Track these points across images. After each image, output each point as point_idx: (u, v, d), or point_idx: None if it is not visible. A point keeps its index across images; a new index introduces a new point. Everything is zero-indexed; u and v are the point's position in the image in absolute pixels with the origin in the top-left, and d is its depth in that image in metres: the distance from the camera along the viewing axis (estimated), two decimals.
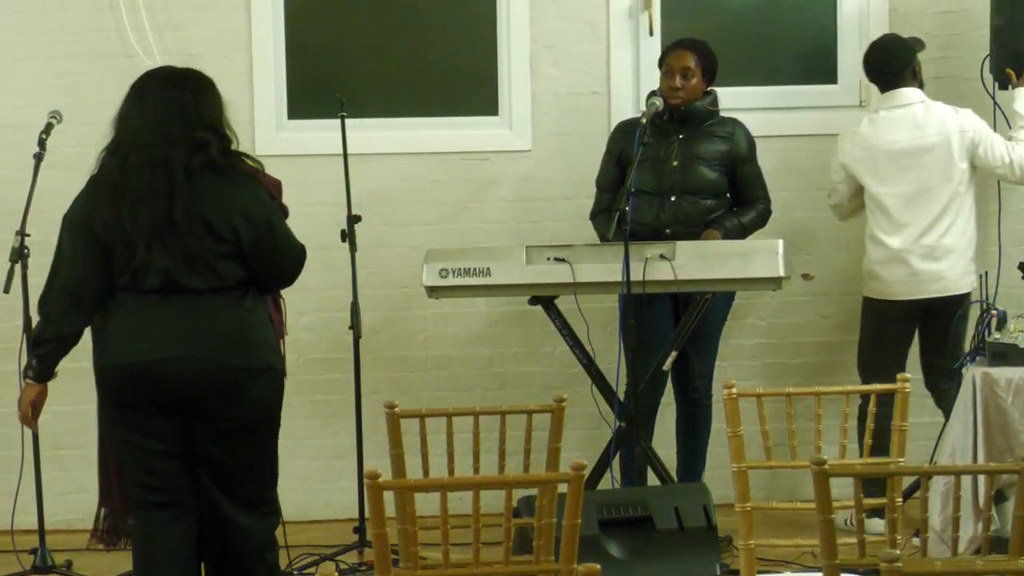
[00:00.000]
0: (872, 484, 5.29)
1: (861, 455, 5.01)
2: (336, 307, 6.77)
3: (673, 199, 6.51)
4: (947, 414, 6.40)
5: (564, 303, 6.40)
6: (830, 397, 5.81)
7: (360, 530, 6.41)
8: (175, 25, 7.03)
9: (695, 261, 6.13)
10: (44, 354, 4.97)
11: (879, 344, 6.73)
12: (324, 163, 6.95)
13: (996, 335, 5.96)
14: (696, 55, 6.53)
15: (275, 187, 5.01)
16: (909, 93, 6.59)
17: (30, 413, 5.05)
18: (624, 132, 6.63)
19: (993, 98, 6.91)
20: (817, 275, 7.23)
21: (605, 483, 6.37)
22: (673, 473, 6.59)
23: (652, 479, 6.51)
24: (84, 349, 7.08)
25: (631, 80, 7.16)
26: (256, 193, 4.83)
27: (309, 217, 7.00)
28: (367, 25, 7.20)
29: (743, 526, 4.73)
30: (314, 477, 7.19)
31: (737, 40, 7.18)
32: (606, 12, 7.16)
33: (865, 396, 5.43)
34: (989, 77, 6.91)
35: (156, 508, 4.90)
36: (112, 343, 4.85)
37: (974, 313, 6.26)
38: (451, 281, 6.24)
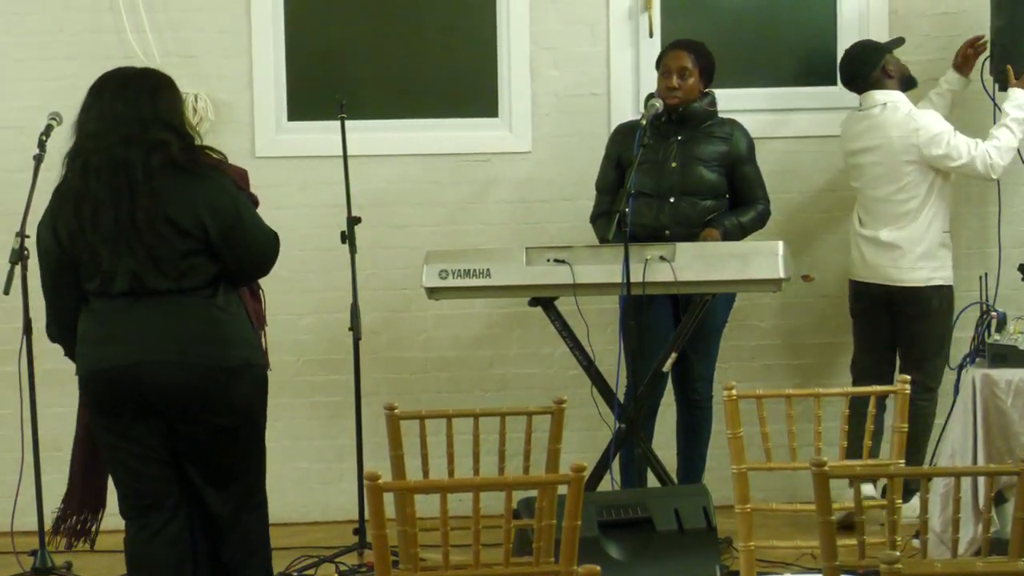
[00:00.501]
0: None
1: (848, 456, 5.00)
2: (336, 308, 6.77)
3: (672, 200, 6.51)
4: (920, 433, 6.43)
5: (564, 304, 6.40)
6: (830, 399, 5.82)
7: (360, 532, 6.41)
8: (175, 27, 7.03)
9: (695, 263, 6.13)
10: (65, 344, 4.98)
11: (854, 326, 6.95)
12: (324, 164, 6.95)
13: (996, 336, 5.96)
14: (693, 55, 6.53)
15: (240, 176, 4.93)
16: (876, 95, 6.73)
17: None
18: (623, 134, 6.63)
19: (993, 99, 6.91)
20: (817, 277, 7.24)
21: (605, 485, 6.37)
22: (673, 474, 6.59)
23: (652, 480, 6.51)
24: None
25: (631, 81, 7.17)
26: (221, 184, 4.77)
27: (309, 218, 7.02)
28: (367, 27, 7.20)
29: (743, 527, 4.73)
30: (314, 479, 7.19)
31: (737, 42, 7.18)
32: (606, 13, 7.16)
33: (856, 396, 5.44)
34: (989, 79, 6.91)
35: (144, 512, 4.88)
36: (87, 349, 4.82)
37: (973, 315, 6.26)
38: (451, 282, 6.24)
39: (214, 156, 4.87)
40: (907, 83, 6.82)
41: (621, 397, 6.41)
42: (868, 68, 6.76)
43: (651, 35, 7.14)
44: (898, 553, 3.11)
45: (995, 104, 6.93)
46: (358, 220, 6.39)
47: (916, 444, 6.50)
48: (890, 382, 6.73)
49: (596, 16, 7.16)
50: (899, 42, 6.89)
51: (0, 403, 6.87)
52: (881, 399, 5.88)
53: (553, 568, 3.96)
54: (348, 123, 6.49)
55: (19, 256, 6.17)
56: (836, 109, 7.04)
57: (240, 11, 7.06)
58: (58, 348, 7.02)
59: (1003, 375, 5.85)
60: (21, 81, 7.01)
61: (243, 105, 7.06)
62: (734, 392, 4.80)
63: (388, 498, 3.82)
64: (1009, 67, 6.68)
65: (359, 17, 7.19)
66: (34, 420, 6.28)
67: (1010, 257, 6.98)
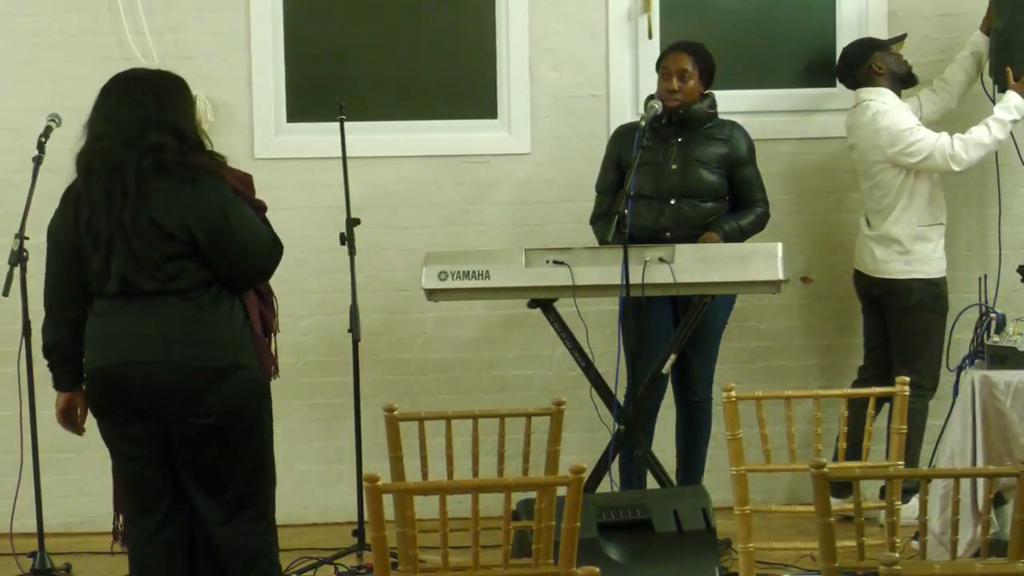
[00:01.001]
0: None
1: (847, 457, 5.01)
2: (335, 310, 6.77)
3: (673, 202, 6.51)
4: (912, 431, 6.44)
5: (563, 306, 6.40)
6: (829, 400, 5.82)
7: (359, 533, 6.41)
8: (174, 28, 7.03)
9: (694, 264, 6.13)
10: (49, 364, 4.96)
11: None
12: (323, 166, 6.95)
13: (995, 338, 5.97)
14: (693, 57, 6.53)
15: (242, 181, 4.87)
16: (860, 93, 6.85)
17: (62, 420, 5.00)
18: (623, 136, 6.63)
19: (992, 100, 6.91)
20: (816, 278, 7.24)
21: (604, 486, 6.37)
22: (672, 476, 6.59)
23: (651, 482, 6.51)
24: None
25: (630, 83, 7.17)
26: (212, 190, 4.74)
27: (308, 220, 7.01)
28: (366, 28, 7.19)
29: (742, 529, 4.73)
30: (313, 480, 7.19)
31: (736, 43, 7.18)
32: (605, 15, 7.16)
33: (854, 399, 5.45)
34: (988, 80, 6.91)
35: (141, 514, 4.88)
36: (87, 349, 4.83)
37: (972, 317, 6.27)
38: (450, 284, 6.23)
39: (215, 160, 4.84)
40: (904, 80, 6.85)
41: (620, 399, 6.41)
42: (855, 66, 6.86)
43: (650, 37, 7.14)
44: (897, 555, 3.11)
45: (994, 104, 6.93)
46: (357, 222, 6.39)
47: (908, 443, 6.49)
48: (888, 377, 6.75)
49: (595, 18, 7.16)
50: (899, 38, 6.91)
51: None
52: (879, 401, 5.89)
53: (552, 570, 3.96)
54: (347, 124, 6.49)
55: (18, 258, 6.17)
56: (836, 110, 7.05)
57: (239, 12, 7.06)
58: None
59: (1002, 376, 5.85)
60: (20, 82, 7.01)
61: (242, 107, 7.06)
62: (733, 393, 4.80)
63: (387, 499, 3.82)
64: (1009, 69, 6.68)
65: (358, 18, 7.19)
66: (33, 422, 6.28)
67: (1009, 258, 6.99)
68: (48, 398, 6.83)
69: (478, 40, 7.18)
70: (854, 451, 5.08)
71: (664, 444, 6.78)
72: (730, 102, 6.87)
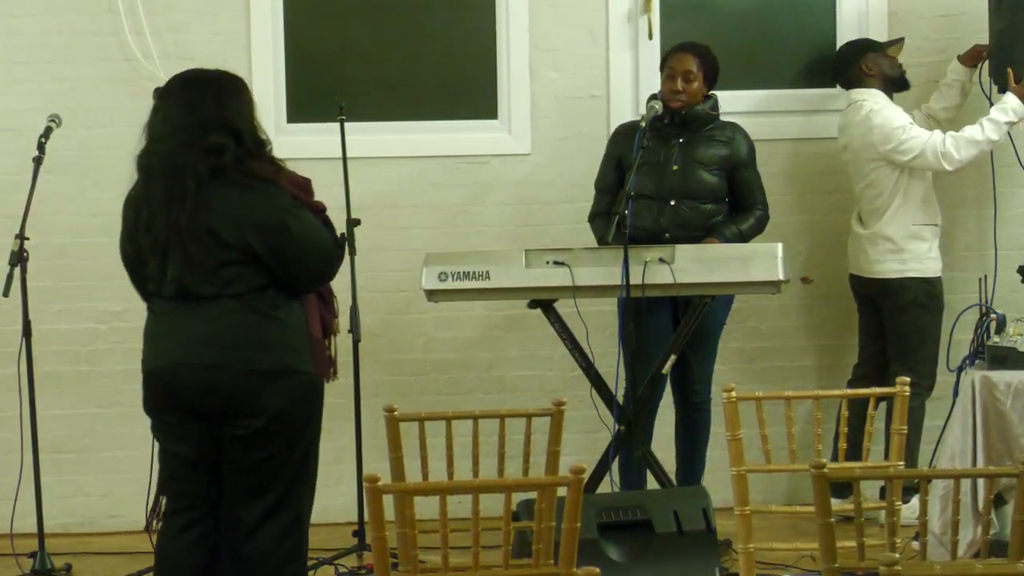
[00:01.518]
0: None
1: (847, 458, 5.01)
2: None
3: (673, 203, 6.51)
4: (908, 431, 6.43)
5: (563, 307, 6.40)
6: (829, 401, 5.82)
7: (359, 534, 6.41)
8: (174, 28, 7.03)
9: (694, 265, 6.13)
10: None
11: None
12: (323, 167, 6.93)
13: (995, 338, 5.97)
14: (698, 59, 6.53)
15: (298, 186, 4.85)
16: (851, 94, 6.88)
17: None
18: (624, 135, 6.63)
19: (991, 102, 6.91)
20: (816, 279, 7.24)
21: (604, 487, 6.37)
22: (672, 477, 6.59)
23: (651, 483, 6.51)
24: (82, 353, 7.11)
25: (630, 84, 7.17)
26: (270, 198, 4.74)
27: None
28: (366, 28, 7.19)
29: (742, 530, 4.73)
30: None
31: (737, 44, 7.18)
32: (605, 16, 7.16)
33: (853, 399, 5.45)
34: (988, 80, 6.91)
35: (176, 512, 4.90)
36: (143, 349, 4.87)
37: (972, 317, 6.27)
38: (450, 284, 6.23)
39: (273, 166, 4.82)
40: (897, 83, 6.86)
41: (620, 399, 6.41)
42: (847, 66, 6.90)
43: (651, 37, 7.14)
44: (897, 555, 3.11)
45: (992, 106, 6.94)
46: (357, 222, 6.39)
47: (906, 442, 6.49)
48: (883, 376, 6.76)
49: (595, 18, 7.16)
50: (897, 42, 6.93)
51: None
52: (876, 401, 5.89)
53: (552, 570, 3.96)
54: (347, 125, 6.49)
55: (18, 258, 6.17)
56: (836, 111, 7.05)
57: (239, 13, 7.06)
58: (57, 350, 7.05)
59: (1002, 377, 5.85)
60: (20, 83, 7.01)
61: None
62: (733, 394, 4.80)
63: (387, 500, 3.82)
64: (1010, 70, 6.69)
65: (358, 19, 7.19)
66: (33, 422, 6.28)
67: (1008, 259, 6.99)
68: (48, 399, 6.86)
69: (478, 41, 7.18)
70: (854, 451, 5.08)
71: (664, 445, 6.78)
72: (730, 102, 6.87)
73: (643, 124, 6.33)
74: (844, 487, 5.86)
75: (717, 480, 6.64)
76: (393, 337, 7.22)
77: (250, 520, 4.82)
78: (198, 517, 4.87)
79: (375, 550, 3.88)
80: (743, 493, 4.72)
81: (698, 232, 6.48)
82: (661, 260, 6.12)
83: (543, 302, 6.35)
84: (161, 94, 4.87)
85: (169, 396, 4.78)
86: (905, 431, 4.86)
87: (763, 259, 6.14)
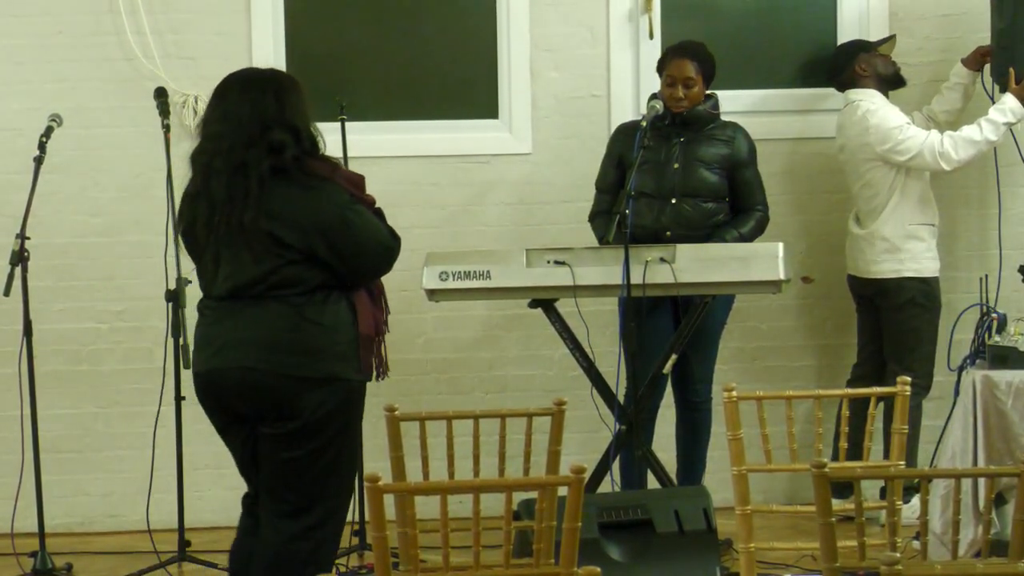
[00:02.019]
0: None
1: (848, 457, 5.01)
2: None
3: (674, 202, 6.51)
4: (911, 432, 6.42)
5: (564, 306, 6.40)
6: (830, 400, 5.81)
7: (360, 533, 6.41)
8: (175, 28, 7.03)
9: (695, 264, 6.13)
10: None
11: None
12: None
13: (996, 338, 5.97)
14: (696, 63, 6.52)
15: (353, 183, 4.86)
16: (848, 94, 6.90)
17: None
18: (625, 134, 6.63)
19: (993, 101, 6.91)
20: (817, 278, 7.24)
21: (605, 486, 6.37)
22: (673, 476, 6.59)
23: (652, 482, 6.51)
24: (83, 352, 7.11)
25: (631, 83, 7.17)
26: (328, 196, 4.74)
27: None
28: (367, 28, 7.19)
29: (743, 529, 4.73)
30: None
31: (737, 43, 7.18)
32: (606, 15, 7.16)
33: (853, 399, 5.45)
34: (989, 80, 6.91)
35: (246, 497, 4.99)
36: (194, 351, 4.89)
37: (973, 317, 6.27)
38: (451, 284, 6.23)
39: (329, 164, 4.83)
40: (892, 82, 6.86)
41: (621, 399, 6.41)
42: (840, 68, 6.92)
43: (651, 37, 7.14)
44: (898, 555, 3.11)
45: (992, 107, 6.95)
46: None
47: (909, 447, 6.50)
48: (882, 376, 6.77)
49: (596, 18, 7.16)
50: (887, 40, 6.93)
51: (0, 405, 6.87)
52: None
53: (553, 570, 3.95)
54: (348, 125, 6.50)
55: (19, 258, 6.17)
56: (836, 110, 7.04)
57: (240, 13, 7.06)
58: (58, 350, 7.06)
59: (1003, 377, 5.85)
60: (21, 83, 7.01)
61: None
62: (734, 394, 4.79)
63: (388, 499, 3.82)
64: (1011, 70, 6.68)
65: (360, 19, 7.19)
66: (34, 422, 6.28)
67: (1010, 258, 6.99)
68: (49, 398, 6.87)
69: (479, 41, 7.18)
70: (854, 451, 5.08)
71: (665, 444, 6.78)
72: (731, 102, 6.87)
73: (644, 124, 6.33)
74: (845, 487, 5.87)
75: (718, 480, 6.64)
76: (394, 337, 7.13)
77: (269, 516, 4.84)
78: (245, 513, 4.98)
79: (376, 550, 3.88)
80: (744, 493, 4.72)
81: (699, 230, 6.47)
82: (662, 260, 6.12)
83: (544, 302, 6.35)
84: (218, 93, 4.87)
85: (214, 398, 4.81)
86: (906, 430, 4.86)
87: (764, 259, 6.14)
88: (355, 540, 6.39)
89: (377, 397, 6.85)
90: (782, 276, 6.13)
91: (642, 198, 6.45)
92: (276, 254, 4.70)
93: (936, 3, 7.22)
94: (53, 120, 6.46)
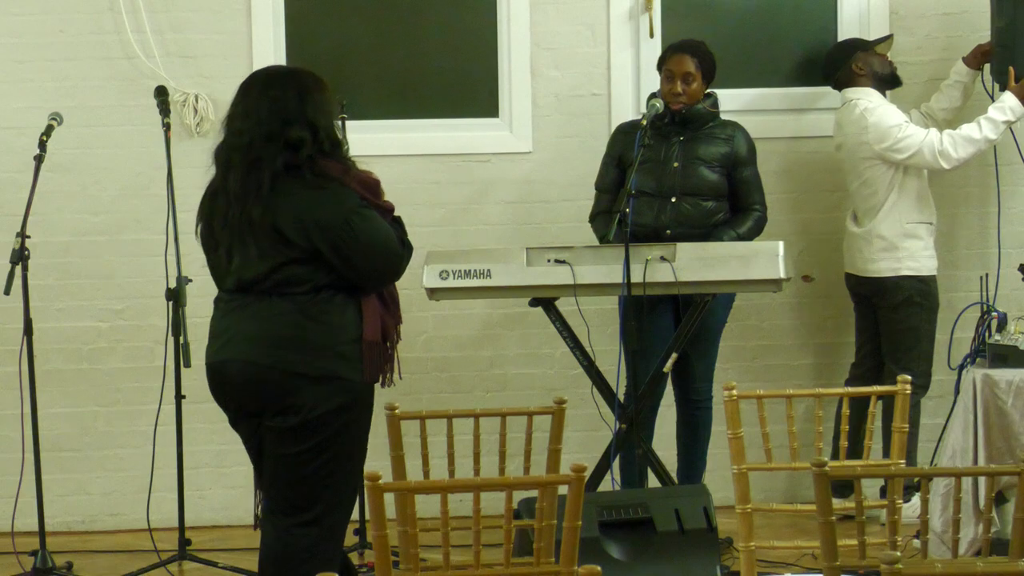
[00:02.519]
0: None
1: (838, 456, 5.01)
2: None
3: (674, 200, 6.51)
4: (909, 431, 6.42)
5: (564, 305, 6.40)
6: (830, 399, 5.81)
7: (361, 532, 6.42)
8: (176, 27, 7.03)
9: (695, 263, 6.13)
10: None
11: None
12: None
13: (996, 337, 5.97)
14: (696, 59, 6.53)
15: (366, 186, 4.86)
16: (845, 93, 6.89)
17: None
18: (624, 134, 6.63)
19: (993, 100, 6.91)
20: (817, 277, 7.24)
21: (605, 485, 6.37)
22: (674, 475, 6.59)
23: (652, 481, 6.51)
24: (84, 351, 7.10)
25: (631, 82, 7.17)
26: (336, 197, 4.75)
27: None
28: (368, 27, 7.19)
29: (743, 528, 4.73)
30: None
31: (738, 42, 7.18)
32: (606, 14, 7.16)
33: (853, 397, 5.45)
34: (990, 79, 6.91)
35: (260, 490, 4.99)
36: (207, 343, 4.93)
37: (973, 315, 6.27)
38: (451, 283, 6.23)
39: (342, 166, 4.83)
40: (888, 81, 6.86)
41: (621, 397, 6.41)
42: (836, 67, 6.92)
43: (651, 36, 7.14)
44: (899, 553, 3.11)
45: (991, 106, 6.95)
46: None
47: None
48: (879, 375, 6.76)
49: (596, 17, 7.16)
50: (884, 39, 6.92)
51: (1, 404, 6.87)
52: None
53: (554, 568, 3.96)
54: (348, 123, 6.49)
55: (20, 256, 6.17)
56: (835, 109, 7.04)
57: (240, 12, 7.06)
58: (58, 348, 7.06)
59: (1003, 375, 5.85)
60: (22, 82, 7.01)
61: None
62: (734, 392, 4.79)
63: (388, 498, 3.82)
64: (1011, 69, 6.68)
65: (359, 17, 7.19)
66: (34, 420, 6.28)
67: (1010, 257, 6.99)
68: (49, 397, 6.86)
69: (479, 39, 7.18)
70: (853, 450, 5.08)
71: (665, 443, 6.78)
72: (732, 100, 6.87)
73: (644, 123, 6.33)
74: (845, 487, 5.87)
75: (718, 478, 6.65)
76: None
77: (269, 509, 4.85)
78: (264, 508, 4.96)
79: (376, 548, 3.88)
80: (744, 491, 4.72)
81: (699, 229, 6.47)
82: (662, 258, 6.12)
83: (544, 300, 6.35)
84: (243, 89, 4.90)
85: (220, 391, 4.86)
86: (906, 429, 4.86)
87: (764, 257, 6.14)
88: (355, 539, 6.39)
89: (378, 396, 6.85)
90: (782, 275, 6.13)
91: (642, 197, 6.45)
92: (281, 251, 4.72)
93: (936, 2, 7.22)
94: (53, 119, 6.45)
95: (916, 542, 4.33)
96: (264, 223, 4.70)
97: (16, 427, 6.48)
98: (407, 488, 3.88)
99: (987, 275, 6.42)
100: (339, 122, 4.96)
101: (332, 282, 4.77)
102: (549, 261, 6.19)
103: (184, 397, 6.35)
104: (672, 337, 6.37)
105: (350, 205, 4.77)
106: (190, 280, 6.26)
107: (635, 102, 7.12)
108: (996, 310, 6.12)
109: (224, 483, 7.07)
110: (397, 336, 4.97)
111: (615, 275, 6.11)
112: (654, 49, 7.02)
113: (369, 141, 6.97)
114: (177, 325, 6.20)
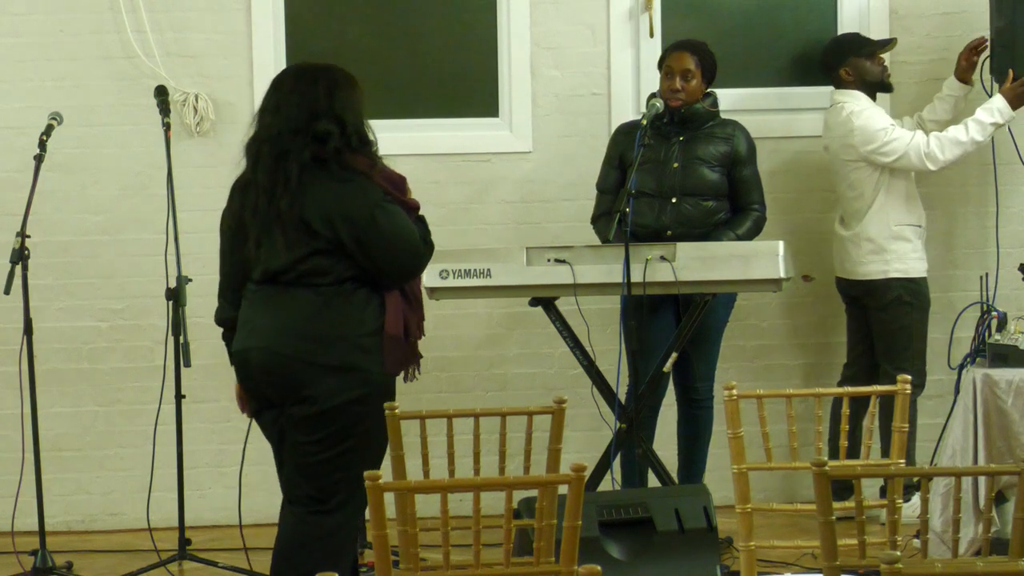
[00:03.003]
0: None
1: (838, 455, 5.01)
2: None
3: (674, 200, 6.51)
4: (911, 427, 6.40)
5: (564, 304, 6.40)
6: (830, 399, 5.81)
7: (361, 531, 6.41)
8: (176, 27, 7.03)
9: (695, 263, 6.13)
10: (224, 339, 5.12)
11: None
12: None
13: (996, 336, 5.97)
14: (696, 57, 6.53)
15: (392, 182, 4.93)
16: (836, 95, 6.88)
17: (237, 400, 5.15)
18: (624, 134, 6.63)
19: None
20: (817, 277, 7.24)
21: (606, 484, 6.37)
22: (674, 474, 6.59)
23: (652, 480, 6.51)
24: (84, 351, 7.10)
25: (631, 82, 7.16)
26: (361, 190, 4.84)
27: None
28: (367, 27, 7.19)
29: (744, 528, 4.73)
30: None
31: (738, 42, 7.18)
32: (606, 14, 7.16)
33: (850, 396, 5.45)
34: (989, 78, 6.91)
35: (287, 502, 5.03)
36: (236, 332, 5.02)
37: (973, 315, 6.27)
38: (451, 282, 6.24)
39: (369, 161, 4.90)
40: (878, 88, 6.83)
41: (622, 397, 6.41)
42: (829, 67, 6.92)
43: (651, 35, 7.14)
44: (899, 553, 3.11)
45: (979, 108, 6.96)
46: None
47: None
48: (872, 375, 6.76)
49: (596, 16, 7.16)
50: (885, 43, 6.89)
51: (0, 403, 6.87)
52: (865, 399, 5.88)
53: (554, 568, 3.95)
54: None
55: (20, 256, 6.17)
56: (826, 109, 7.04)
57: (240, 11, 7.06)
58: (58, 348, 7.05)
59: (1003, 375, 5.85)
60: (22, 81, 7.01)
61: (244, 105, 7.05)
62: (735, 392, 4.79)
63: (388, 498, 3.82)
64: (1011, 71, 6.68)
65: (360, 17, 7.19)
66: (34, 420, 6.28)
67: (1009, 257, 6.99)
68: (49, 396, 6.86)
69: (479, 39, 7.18)
70: (853, 449, 5.08)
71: (665, 443, 6.78)
72: (731, 100, 6.87)
73: (644, 122, 6.33)
74: (844, 489, 5.86)
75: (718, 478, 6.64)
76: None
77: (288, 499, 4.95)
78: (285, 502, 5.02)
79: (376, 548, 3.88)
80: (744, 491, 4.72)
81: (700, 229, 6.48)
82: (662, 258, 6.12)
83: (544, 300, 6.35)
84: (274, 83, 4.99)
85: (245, 379, 4.95)
86: (906, 428, 4.86)
87: (764, 257, 6.14)
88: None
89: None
90: (782, 274, 6.13)
91: (643, 197, 6.45)
92: (307, 242, 4.81)
93: (936, 2, 7.22)
94: (53, 118, 6.45)
95: (916, 542, 4.32)
96: (292, 214, 4.79)
97: (16, 427, 6.48)
98: (407, 488, 3.88)
99: (987, 275, 6.41)
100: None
101: (356, 275, 4.86)
102: (549, 261, 6.19)
103: (184, 397, 6.35)
104: (672, 337, 6.37)
105: (375, 199, 4.85)
106: (190, 280, 6.26)
107: (635, 102, 7.12)
108: (996, 310, 6.12)
109: (224, 483, 7.07)
110: (421, 332, 5.05)
111: (615, 275, 6.11)
112: (654, 49, 7.02)
113: None
114: (177, 325, 6.21)
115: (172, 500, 6.49)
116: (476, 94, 7.21)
